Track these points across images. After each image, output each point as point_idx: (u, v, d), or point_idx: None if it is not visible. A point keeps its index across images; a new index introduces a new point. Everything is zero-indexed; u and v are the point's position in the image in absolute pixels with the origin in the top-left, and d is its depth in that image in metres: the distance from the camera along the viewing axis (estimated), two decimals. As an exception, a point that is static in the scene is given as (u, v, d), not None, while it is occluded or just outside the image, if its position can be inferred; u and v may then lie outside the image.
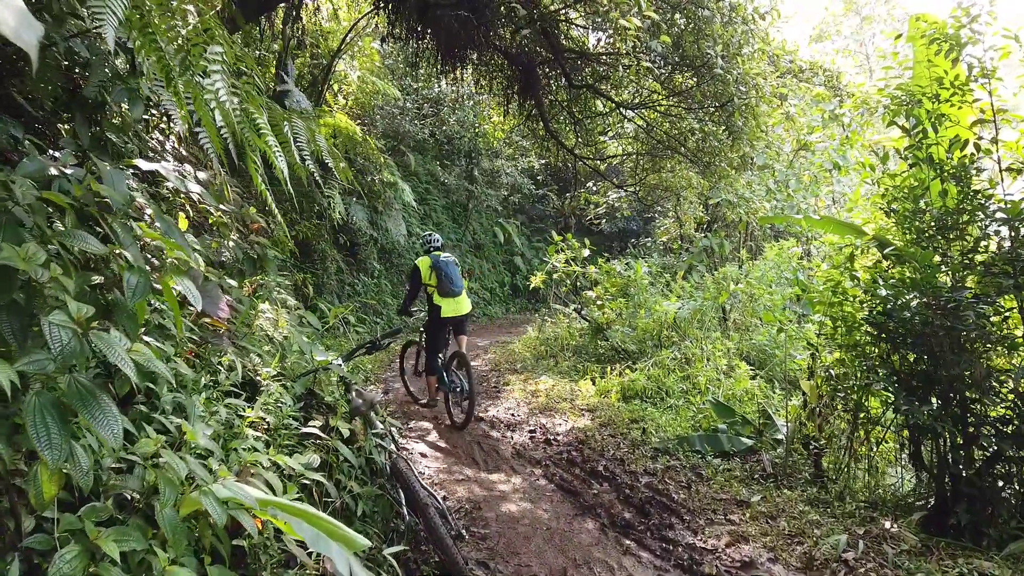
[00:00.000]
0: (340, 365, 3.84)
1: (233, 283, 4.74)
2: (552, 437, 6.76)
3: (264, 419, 3.09)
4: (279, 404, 3.32)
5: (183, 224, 4.58)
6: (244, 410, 3.01)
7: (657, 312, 10.07)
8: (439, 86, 17.02)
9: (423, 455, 6.14)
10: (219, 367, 3.32)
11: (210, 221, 4.46)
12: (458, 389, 6.79)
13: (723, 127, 8.35)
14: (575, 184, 19.46)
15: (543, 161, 19.00)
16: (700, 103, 8.21)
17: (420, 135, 17.41)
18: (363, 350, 4.23)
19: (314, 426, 3.25)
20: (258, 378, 3.53)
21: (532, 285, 13.43)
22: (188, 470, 2.01)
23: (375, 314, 13.85)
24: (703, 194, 13.55)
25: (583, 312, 11.45)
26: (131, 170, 3.55)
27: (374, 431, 3.70)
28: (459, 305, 6.83)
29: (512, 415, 7.74)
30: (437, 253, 6.98)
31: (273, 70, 11.42)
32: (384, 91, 13.71)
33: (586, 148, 12.16)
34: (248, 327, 4.08)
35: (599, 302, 11.04)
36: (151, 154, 4.59)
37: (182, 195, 4.34)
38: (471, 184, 18.67)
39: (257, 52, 11.63)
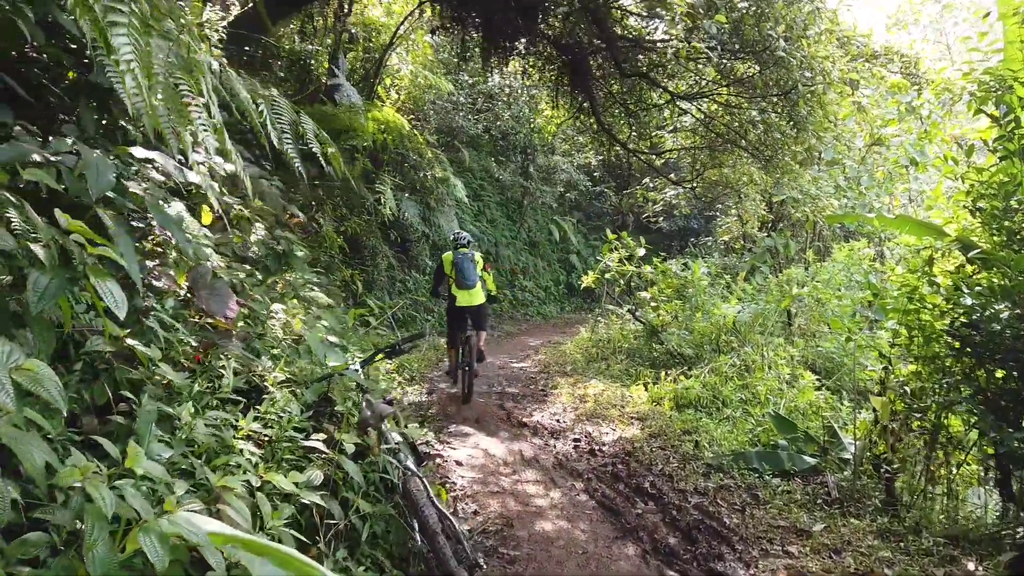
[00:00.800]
0: (357, 371, 3.56)
1: (259, 278, 4.52)
2: (597, 447, 6.37)
3: (260, 432, 2.82)
4: (283, 413, 3.05)
5: (206, 218, 4.39)
6: (238, 420, 2.74)
7: (715, 315, 9.55)
8: (492, 79, 16.72)
9: (459, 463, 5.84)
10: (222, 372, 3.08)
11: (231, 215, 4.26)
12: (467, 368, 7.82)
13: (786, 117, 7.76)
14: (631, 180, 18.87)
15: (600, 157, 18.51)
16: (762, 92, 7.64)
17: (474, 130, 17.15)
18: (382, 355, 3.94)
19: (317, 439, 2.96)
20: (265, 384, 3.27)
21: (583, 285, 13.03)
22: (128, 501, 1.73)
23: (426, 311, 13.65)
24: (766, 191, 12.86)
25: (637, 313, 10.99)
26: (149, 162, 3.35)
27: (387, 445, 3.40)
28: (471, 297, 7.79)
29: (557, 421, 7.38)
30: (461, 250, 7.77)
31: (326, 65, 11.37)
32: (436, 86, 13.48)
33: (641, 142, 11.65)
34: (262, 326, 3.84)
35: (654, 303, 10.56)
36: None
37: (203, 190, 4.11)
38: (526, 180, 18.31)
39: (310, 46, 11.60)
